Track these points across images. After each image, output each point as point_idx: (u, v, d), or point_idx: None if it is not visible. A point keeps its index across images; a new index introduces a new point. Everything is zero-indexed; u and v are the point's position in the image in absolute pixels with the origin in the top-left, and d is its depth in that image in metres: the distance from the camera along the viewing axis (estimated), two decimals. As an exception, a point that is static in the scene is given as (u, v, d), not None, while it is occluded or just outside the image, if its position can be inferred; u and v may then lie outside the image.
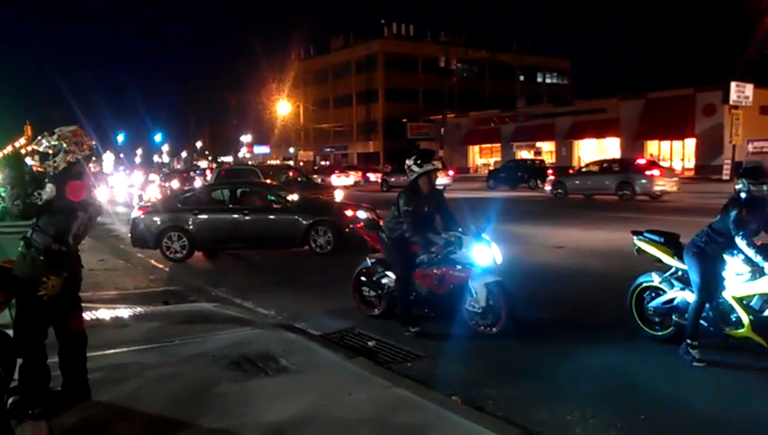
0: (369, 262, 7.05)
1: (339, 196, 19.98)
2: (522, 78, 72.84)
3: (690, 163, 39.84)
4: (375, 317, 6.87)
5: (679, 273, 5.62)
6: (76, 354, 4.27)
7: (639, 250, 5.97)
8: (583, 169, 28.19)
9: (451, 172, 37.70)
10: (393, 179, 35.28)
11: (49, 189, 4.06)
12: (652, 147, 42.45)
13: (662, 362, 5.36)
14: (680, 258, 5.54)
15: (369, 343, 6.00)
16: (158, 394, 4.57)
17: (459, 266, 6.19)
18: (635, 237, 6.03)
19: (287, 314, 7.29)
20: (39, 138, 4.22)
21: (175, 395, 4.54)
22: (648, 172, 23.16)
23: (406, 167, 6.35)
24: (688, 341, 5.21)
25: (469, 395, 4.66)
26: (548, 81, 76.17)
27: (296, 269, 10.75)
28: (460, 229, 6.26)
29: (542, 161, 41.07)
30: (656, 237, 5.85)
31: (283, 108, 58.81)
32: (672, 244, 5.76)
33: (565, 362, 5.43)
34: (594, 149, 46.21)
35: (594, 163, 28.07)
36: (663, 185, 23.11)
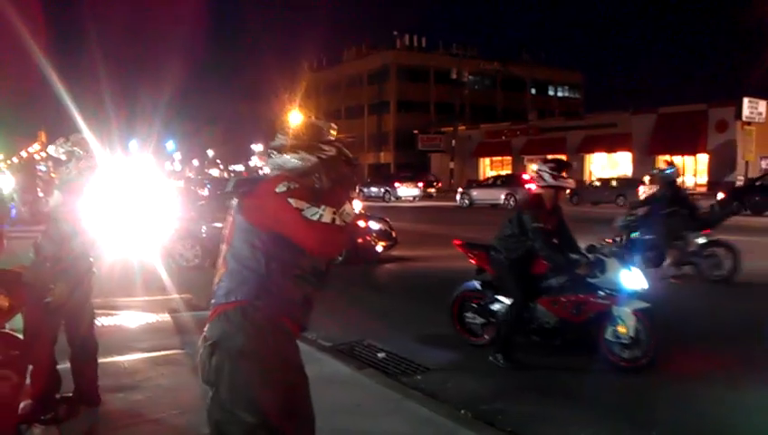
0: (474, 284, 6.29)
1: (356, 206, 19.95)
2: (533, 91, 72.81)
3: (703, 179, 39.63)
4: (479, 347, 6.11)
5: None
6: (87, 361, 4.28)
7: None
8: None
9: (421, 184, 38.90)
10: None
11: (56, 196, 4.09)
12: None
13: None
14: None
15: (379, 355, 5.97)
16: (167, 403, 4.57)
17: (602, 292, 5.55)
18: None
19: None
20: (55, 144, 4.25)
21: (184, 404, 4.52)
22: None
23: (534, 173, 5.91)
24: None
25: (479, 410, 4.62)
26: (560, 94, 76.08)
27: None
28: (591, 252, 5.65)
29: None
30: None
31: (295, 117, 59.06)
32: None
33: (582, 379, 5.39)
34: (605, 164, 46.08)
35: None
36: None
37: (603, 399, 4.94)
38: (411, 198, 37.88)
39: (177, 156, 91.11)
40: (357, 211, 10.81)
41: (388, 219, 13.03)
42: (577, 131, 46.40)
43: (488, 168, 57.18)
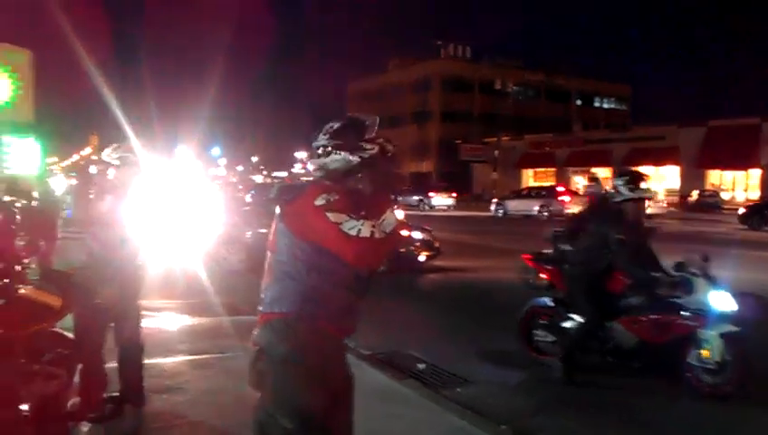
0: (545, 300, 6.04)
1: (399, 215, 19.97)
2: (578, 102, 71.87)
3: (755, 194, 38.43)
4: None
5: None
6: (133, 361, 4.37)
7: None
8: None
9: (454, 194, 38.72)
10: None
11: (108, 200, 4.20)
12: (714, 176, 41.15)
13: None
14: None
15: (420, 366, 5.94)
16: (208, 406, 4.63)
17: (687, 313, 5.17)
18: None
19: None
20: (108, 149, 4.37)
21: (224, 408, 4.58)
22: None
23: (611, 186, 5.69)
24: None
25: (520, 425, 4.55)
26: (606, 106, 74.87)
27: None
28: (673, 269, 5.32)
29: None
30: None
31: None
32: None
33: (650, 402, 5.26)
34: (653, 177, 45.11)
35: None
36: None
37: (670, 425, 4.78)
38: (445, 208, 37.91)
39: (223, 161, 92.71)
40: (399, 220, 10.81)
41: (430, 229, 12.98)
42: (623, 144, 45.57)
43: (531, 179, 56.59)
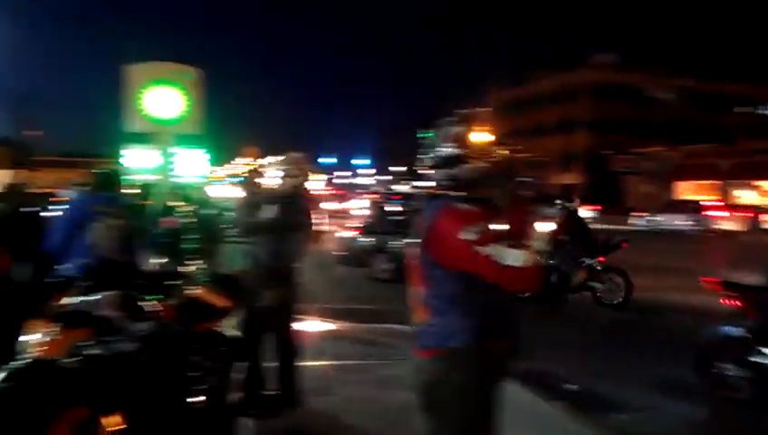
0: (732, 330, 5.46)
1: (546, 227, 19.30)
2: (740, 110, 66.06)
3: None
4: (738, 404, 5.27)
5: None
6: (290, 363, 4.56)
7: None
8: None
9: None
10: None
11: (271, 210, 4.42)
12: None
13: None
14: None
15: (571, 387, 5.68)
16: (358, 412, 4.70)
17: None
18: None
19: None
20: (271, 160, 4.62)
21: (373, 415, 4.65)
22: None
23: None
24: None
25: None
26: (771, 112, 68.25)
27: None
28: None
29: None
30: None
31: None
32: None
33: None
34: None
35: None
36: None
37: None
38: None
39: (371, 171, 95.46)
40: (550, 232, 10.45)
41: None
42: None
43: (687, 191, 52.77)
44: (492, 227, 2.27)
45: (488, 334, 2.37)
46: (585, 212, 36.70)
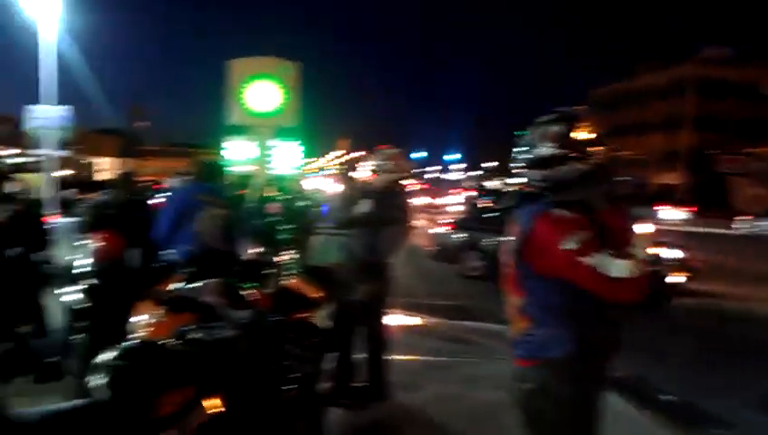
0: None
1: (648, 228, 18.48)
2: None
3: None
4: None
5: None
6: (380, 356, 4.61)
7: None
8: None
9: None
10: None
11: (366, 204, 4.47)
12: None
13: None
14: None
15: (666, 398, 5.44)
16: (445, 410, 4.68)
17: None
18: None
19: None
20: (369, 155, 4.66)
21: (459, 413, 4.62)
22: None
23: None
24: None
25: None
26: None
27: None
28: None
29: None
30: None
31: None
32: None
33: None
34: None
35: None
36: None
37: None
38: (677, 222, 34.66)
39: (461, 166, 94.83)
40: (649, 234, 9.97)
41: (687, 247, 11.74)
42: None
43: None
44: (593, 234, 2.16)
45: (590, 345, 2.29)
46: (677, 214, 35.06)
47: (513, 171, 2.48)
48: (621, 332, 2.38)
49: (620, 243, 2.19)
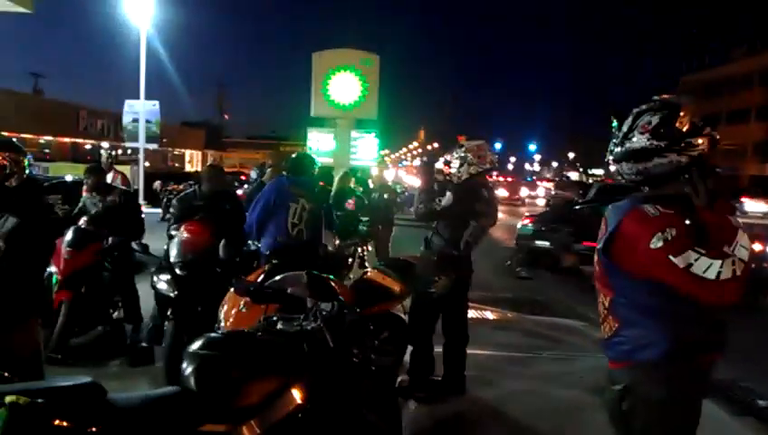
0: None
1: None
2: None
3: None
4: None
5: None
6: (458, 350, 4.60)
7: None
8: None
9: None
10: None
11: (448, 197, 4.44)
12: None
13: None
14: None
15: (762, 403, 5.16)
16: (521, 406, 4.63)
17: None
18: None
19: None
20: (453, 149, 4.62)
21: (538, 409, 4.55)
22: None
23: None
24: None
25: None
26: None
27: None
28: None
29: None
30: None
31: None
32: None
33: None
34: None
35: None
36: None
37: None
38: (761, 214, 32.59)
39: (537, 157, 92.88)
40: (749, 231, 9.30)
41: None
42: None
43: None
44: (687, 231, 2.03)
45: (688, 347, 2.15)
46: (757, 206, 32.94)
47: (606, 162, 2.38)
48: (726, 332, 2.23)
49: (721, 241, 2.02)
